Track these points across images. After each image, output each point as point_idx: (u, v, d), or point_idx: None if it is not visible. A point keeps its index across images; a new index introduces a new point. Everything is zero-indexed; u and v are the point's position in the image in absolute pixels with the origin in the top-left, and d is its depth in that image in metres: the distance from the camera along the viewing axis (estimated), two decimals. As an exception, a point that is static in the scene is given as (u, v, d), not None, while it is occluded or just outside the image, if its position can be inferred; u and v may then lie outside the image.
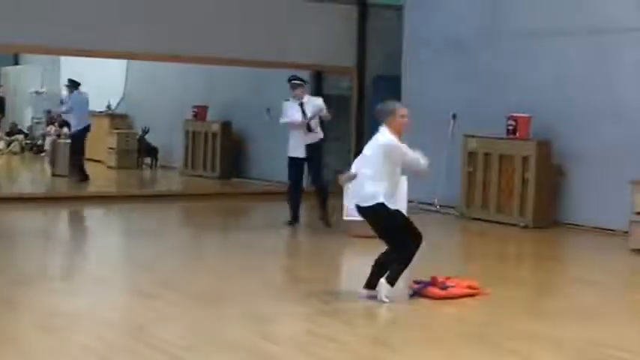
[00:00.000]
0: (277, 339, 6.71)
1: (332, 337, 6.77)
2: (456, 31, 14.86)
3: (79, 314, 7.37)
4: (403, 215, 8.34)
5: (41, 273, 9.28)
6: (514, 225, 13.03)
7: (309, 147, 12.17)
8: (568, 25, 13.20)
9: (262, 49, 15.60)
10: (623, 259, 10.94)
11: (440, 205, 14.53)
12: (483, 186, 13.75)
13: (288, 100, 12.35)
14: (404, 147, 8.07)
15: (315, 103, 12.30)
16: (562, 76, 13.24)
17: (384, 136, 8.07)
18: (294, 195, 12.34)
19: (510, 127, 13.33)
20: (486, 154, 13.70)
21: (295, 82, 12.28)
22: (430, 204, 14.50)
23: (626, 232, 11.47)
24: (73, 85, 18.18)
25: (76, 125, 17.85)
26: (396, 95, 16.00)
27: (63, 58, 22.75)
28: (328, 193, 12.19)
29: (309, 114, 12.12)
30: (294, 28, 16.01)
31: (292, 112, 12.20)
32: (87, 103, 18.06)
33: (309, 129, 12.16)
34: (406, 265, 7.99)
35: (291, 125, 12.22)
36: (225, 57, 15.56)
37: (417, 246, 8.03)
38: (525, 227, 12.88)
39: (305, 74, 17.62)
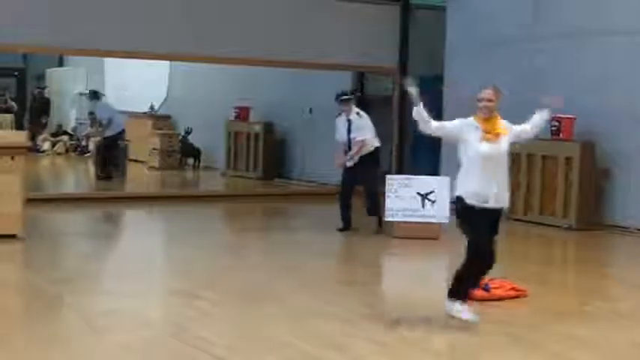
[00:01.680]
0: (317, 339, 6.68)
1: (376, 340, 6.73)
2: (498, 31, 14.76)
3: (122, 314, 7.39)
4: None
5: (84, 273, 9.34)
6: (557, 227, 12.90)
7: (360, 158, 11.95)
8: (612, 24, 13.04)
9: (305, 49, 15.59)
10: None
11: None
12: (527, 187, 13.63)
13: (340, 115, 12.15)
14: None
15: (361, 131, 11.98)
16: (606, 77, 13.08)
17: None
18: (343, 202, 12.11)
19: (554, 128, 13.20)
20: (529, 155, 13.58)
21: (343, 98, 12.09)
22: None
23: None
24: (95, 96, 18.47)
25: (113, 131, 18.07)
26: (438, 96, 15.97)
27: (107, 60, 22.95)
28: (379, 205, 11.90)
29: (352, 135, 11.93)
30: (337, 29, 15.98)
31: (343, 131, 12.03)
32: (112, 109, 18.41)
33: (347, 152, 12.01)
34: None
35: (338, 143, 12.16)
36: (267, 58, 15.58)
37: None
38: (568, 229, 12.75)
39: (347, 75, 17.73)
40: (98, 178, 17.92)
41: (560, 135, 13.18)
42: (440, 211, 11.53)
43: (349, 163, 11.93)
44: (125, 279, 9.03)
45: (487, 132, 7.03)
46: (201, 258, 10.10)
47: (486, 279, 8.27)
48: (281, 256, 10.39)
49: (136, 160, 20.68)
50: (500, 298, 8.10)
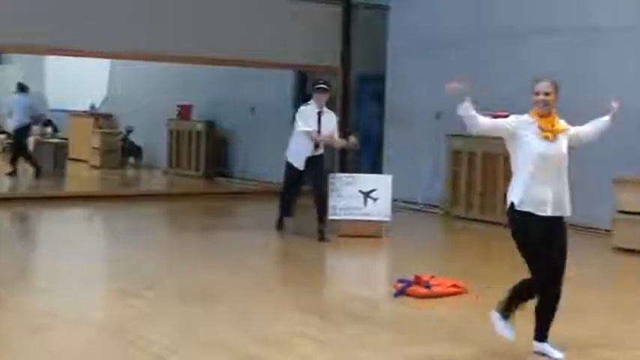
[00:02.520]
0: (262, 339, 6.67)
1: (316, 338, 6.74)
2: (440, 31, 14.86)
3: (62, 314, 7.30)
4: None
5: (24, 273, 9.23)
6: (498, 224, 13.02)
7: (312, 159, 11.33)
8: (550, 24, 13.20)
9: (246, 48, 15.55)
10: (606, 257, 10.96)
11: (424, 204, 14.54)
12: (468, 185, 13.76)
13: (308, 105, 11.46)
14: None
15: (331, 122, 11.52)
16: (547, 75, 13.21)
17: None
18: (286, 198, 11.76)
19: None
20: (471, 154, 13.71)
21: (322, 86, 11.40)
22: (414, 202, 14.51)
23: (609, 231, 11.48)
24: (21, 89, 18.28)
25: (15, 125, 17.98)
26: (380, 94, 16.06)
27: (47, 58, 22.69)
28: (327, 206, 11.49)
29: (324, 131, 11.34)
30: (279, 27, 15.96)
31: (312, 122, 11.30)
32: (29, 106, 18.21)
33: (317, 145, 11.36)
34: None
35: (306, 135, 11.33)
36: (208, 56, 15.51)
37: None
38: (507, 226, 12.86)
39: (290, 74, 17.74)
40: (8, 174, 17.65)
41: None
42: (382, 210, 11.58)
43: (315, 152, 11.32)
44: (65, 279, 8.93)
45: (545, 130, 6.34)
46: (141, 257, 10.03)
47: (427, 277, 8.34)
48: (222, 255, 10.36)
49: (77, 160, 20.46)
50: (441, 295, 8.16)
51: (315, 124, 11.30)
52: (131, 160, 21.19)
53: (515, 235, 6.45)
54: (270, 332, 6.89)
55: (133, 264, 9.62)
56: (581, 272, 9.96)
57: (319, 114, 11.35)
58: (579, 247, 11.60)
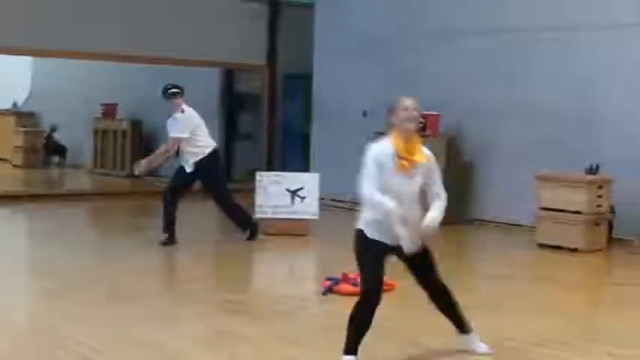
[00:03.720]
0: (186, 337, 6.65)
1: (244, 335, 6.74)
2: (367, 30, 14.95)
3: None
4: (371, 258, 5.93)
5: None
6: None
7: (198, 164, 10.72)
8: (479, 24, 13.38)
9: (173, 46, 15.46)
10: (529, 253, 11.16)
11: (352, 202, 14.60)
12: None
13: (171, 118, 10.87)
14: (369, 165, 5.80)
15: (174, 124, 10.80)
16: (471, 75, 13.43)
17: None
18: (170, 208, 10.83)
19: (420, 125, 13.44)
20: (397, 152, 13.81)
21: (174, 91, 10.84)
22: (342, 201, 14.57)
23: (532, 227, 11.69)
24: None
25: None
26: (307, 92, 16.11)
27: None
28: (236, 212, 11.05)
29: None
30: (205, 26, 15.91)
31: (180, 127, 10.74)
32: None
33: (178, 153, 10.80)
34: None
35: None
36: (135, 54, 15.38)
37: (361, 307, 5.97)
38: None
39: (216, 72, 17.67)
40: None
41: (426, 131, 13.44)
42: (309, 208, 11.62)
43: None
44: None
45: (403, 158, 5.74)
46: (66, 258, 9.90)
47: (354, 274, 8.39)
48: (148, 255, 10.27)
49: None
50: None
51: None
52: (55, 159, 20.89)
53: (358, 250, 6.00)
54: (198, 331, 6.86)
55: (58, 264, 9.49)
56: (504, 269, 10.14)
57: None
58: (504, 244, 11.83)
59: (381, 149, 5.78)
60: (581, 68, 12.18)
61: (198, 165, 10.70)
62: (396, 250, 5.92)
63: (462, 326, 6.42)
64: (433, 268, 6.26)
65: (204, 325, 7.07)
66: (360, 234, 5.95)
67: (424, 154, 5.91)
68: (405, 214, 5.75)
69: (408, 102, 5.83)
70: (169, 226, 10.72)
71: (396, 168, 5.73)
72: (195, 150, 10.70)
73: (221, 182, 11.16)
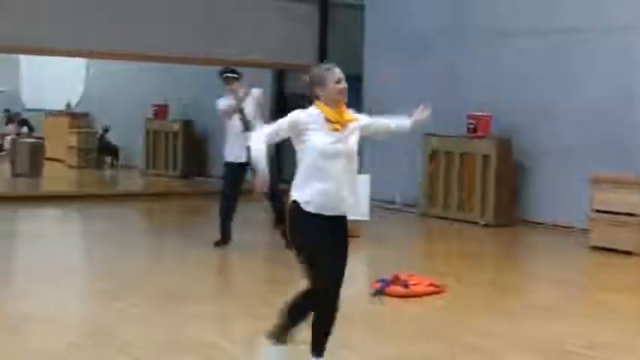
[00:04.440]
0: (237, 339, 6.67)
1: (294, 336, 6.73)
2: (417, 30, 14.89)
3: (40, 316, 7.24)
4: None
5: (2, 274, 9.17)
6: (475, 223, 13.09)
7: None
8: (528, 24, 13.27)
9: (225, 47, 15.53)
10: (582, 257, 11.03)
11: (402, 204, 14.56)
12: (445, 184, 13.80)
13: (222, 97, 10.52)
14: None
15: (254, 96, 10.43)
16: (522, 75, 13.31)
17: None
18: (229, 209, 10.57)
19: (471, 126, 13.40)
20: (447, 153, 13.76)
21: (229, 75, 10.45)
22: (391, 202, 14.54)
23: (585, 230, 11.55)
24: None
25: None
26: (357, 94, 16.06)
27: (22, 57, 22.55)
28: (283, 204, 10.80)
29: (248, 110, 10.33)
30: (255, 27, 15.96)
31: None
32: None
33: (247, 127, 10.09)
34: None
35: (225, 114, 10.36)
36: (185, 56, 15.48)
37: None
38: (486, 226, 12.95)
39: (267, 73, 17.71)
40: None
41: (477, 132, 13.38)
42: (360, 209, 11.58)
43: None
44: (45, 280, 8.85)
45: (333, 121, 5.52)
46: (120, 258, 9.99)
47: (405, 276, 8.37)
48: (202, 255, 10.33)
49: (53, 159, 20.36)
50: (419, 295, 8.18)
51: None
52: (108, 159, 21.10)
53: (294, 238, 5.55)
54: (246, 332, 6.88)
55: (113, 265, 9.58)
56: (559, 272, 10.04)
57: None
58: (556, 247, 11.71)
59: (307, 113, 5.54)
60: (633, 68, 12.02)
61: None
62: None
63: (319, 347, 5.80)
64: (345, 261, 5.60)
65: (254, 327, 7.08)
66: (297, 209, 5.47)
67: (353, 115, 5.70)
68: (341, 178, 5.47)
69: (339, 73, 5.56)
70: (226, 225, 10.55)
71: (328, 128, 5.46)
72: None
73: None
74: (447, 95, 14.10)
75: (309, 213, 5.42)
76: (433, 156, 13.98)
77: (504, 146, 13.20)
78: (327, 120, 5.48)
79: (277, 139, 5.68)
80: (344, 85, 5.55)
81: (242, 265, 10.15)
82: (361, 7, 16.18)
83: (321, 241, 5.42)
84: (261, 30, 16.00)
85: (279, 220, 10.41)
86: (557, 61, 12.93)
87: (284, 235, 10.26)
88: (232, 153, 10.40)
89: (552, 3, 13.08)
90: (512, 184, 13.28)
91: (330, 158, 5.44)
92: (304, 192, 5.45)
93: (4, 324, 6.97)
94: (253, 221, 12.59)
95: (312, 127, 5.47)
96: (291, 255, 10.37)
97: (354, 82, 15.80)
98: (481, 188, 13.25)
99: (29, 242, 11.67)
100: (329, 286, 5.51)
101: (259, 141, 5.58)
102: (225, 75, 10.45)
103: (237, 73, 10.53)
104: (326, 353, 6.17)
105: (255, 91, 10.55)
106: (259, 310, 7.64)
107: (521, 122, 13.18)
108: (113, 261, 9.81)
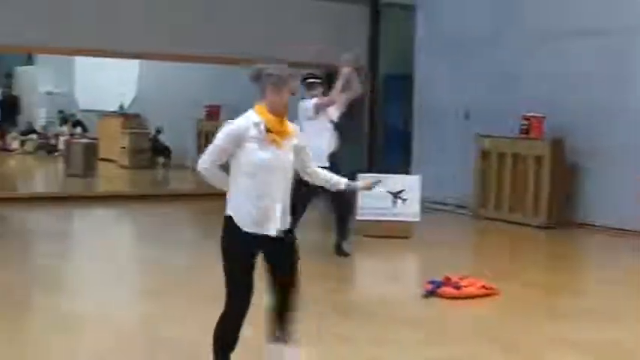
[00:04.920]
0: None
1: (344, 336, 6.70)
2: (468, 31, 14.77)
3: (93, 316, 7.30)
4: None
5: (54, 273, 9.24)
6: (528, 225, 12.93)
7: (331, 155, 10.08)
8: (581, 24, 13.08)
9: (274, 48, 15.49)
10: (638, 259, 10.83)
11: (453, 205, 14.46)
12: (497, 185, 13.66)
13: (304, 99, 10.35)
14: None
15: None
16: (575, 75, 13.12)
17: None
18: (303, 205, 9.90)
19: (523, 127, 13.25)
20: (500, 154, 13.62)
21: (312, 80, 10.46)
22: (443, 203, 14.43)
23: (640, 232, 11.37)
24: None
25: None
26: (408, 93, 16.01)
27: (77, 59, 22.77)
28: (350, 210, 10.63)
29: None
30: (307, 27, 15.96)
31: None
32: None
33: (334, 123, 10.26)
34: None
35: (321, 106, 10.15)
36: (236, 57, 15.50)
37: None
38: (539, 227, 12.78)
39: (317, 73, 17.68)
40: None
41: (530, 133, 13.22)
42: (411, 210, 11.52)
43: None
44: (97, 280, 8.95)
45: (273, 131, 5.13)
46: (172, 258, 10.02)
47: (457, 277, 8.28)
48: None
49: (106, 159, 20.54)
50: (471, 296, 8.09)
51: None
52: (160, 160, 21.23)
53: (225, 252, 5.33)
54: (305, 331, 6.84)
55: (162, 264, 9.62)
56: (616, 275, 9.87)
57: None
58: (611, 249, 11.52)
59: (247, 119, 5.16)
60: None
61: (332, 157, 10.07)
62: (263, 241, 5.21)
63: (282, 334, 5.59)
64: (295, 266, 5.47)
65: (306, 325, 7.04)
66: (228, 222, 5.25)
67: (293, 128, 5.31)
68: (276, 195, 5.15)
69: (298, 86, 5.27)
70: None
71: (266, 140, 5.09)
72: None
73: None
74: (499, 96, 13.97)
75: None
76: (485, 157, 13.84)
77: (558, 147, 13.02)
78: (268, 130, 5.12)
79: (225, 159, 5.24)
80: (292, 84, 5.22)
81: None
82: (412, 8, 16.10)
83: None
84: (314, 31, 15.99)
85: (341, 222, 10.41)
86: (611, 61, 12.72)
87: (338, 246, 10.44)
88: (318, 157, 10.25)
89: (606, 3, 12.87)
90: (566, 186, 13.09)
91: (266, 173, 5.10)
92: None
93: (59, 324, 7.02)
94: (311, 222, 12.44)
95: (252, 137, 5.11)
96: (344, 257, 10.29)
97: (405, 81, 15.90)
98: (534, 189, 13.09)
99: (82, 242, 11.79)
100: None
101: (208, 167, 5.29)
102: (309, 81, 10.43)
103: (319, 78, 10.55)
104: (375, 353, 6.11)
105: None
106: (309, 308, 7.60)
107: (575, 123, 12.98)
108: (164, 260, 9.84)
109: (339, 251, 10.44)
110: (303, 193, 10.17)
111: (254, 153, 5.09)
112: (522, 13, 14.03)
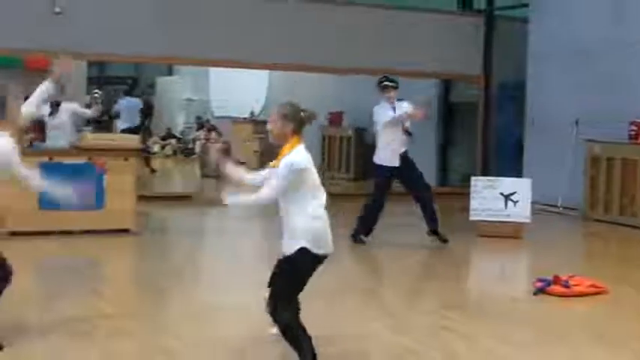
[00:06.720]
0: (407, 332, 6.67)
1: (460, 333, 6.68)
2: (579, 41, 14.49)
3: (229, 309, 7.33)
4: None
5: (193, 267, 9.48)
6: (637, 227, 12.60)
7: (403, 156, 10.40)
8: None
9: (393, 58, 15.58)
10: None
11: (563, 207, 14.20)
12: (606, 188, 13.36)
13: (379, 104, 10.58)
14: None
15: (403, 106, 10.43)
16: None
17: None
18: (378, 209, 10.64)
19: (632, 133, 12.94)
20: (609, 159, 13.31)
21: (387, 83, 10.46)
22: (553, 205, 14.20)
23: None
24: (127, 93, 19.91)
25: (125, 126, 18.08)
26: (520, 101, 15.84)
27: (212, 69, 23.29)
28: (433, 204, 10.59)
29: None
30: (425, 40, 15.99)
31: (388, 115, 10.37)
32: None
33: (409, 132, 10.43)
34: None
35: (394, 122, 10.32)
36: (359, 67, 15.66)
37: None
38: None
39: (433, 82, 17.64)
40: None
41: (639, 139, 12.89)
42: (522, 211, 11.39)
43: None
44: (233, 274, 9.04)
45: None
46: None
47: (566, 276, 8.15)
48: (371, 251, 10.39)
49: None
50: (580, 295, 7.96)
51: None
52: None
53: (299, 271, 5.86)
54: (416, 325, 6.87)
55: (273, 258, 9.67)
56: None
57: (393, 110, 10.45)
58: None
59: (303, 154, 5.65)
60: None
61: (404, 155, 10.40)
62: None
63: None
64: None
65: (423, 320, 7.07)
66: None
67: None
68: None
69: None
70: (367, 225, 10.63)
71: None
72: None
73: (421, 175, 10.69)
74: (608, 103, 13.65)
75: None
76: (594, 162, 13.55)
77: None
78: None
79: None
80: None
81: (411, 260, 10.09)
82: (525, 20, 15.93)
83: None
84: (431, 42, 16.01)
85: (431, 220, 10.55)
86: None
87: (434, 232, 10.59)
88: (385, 158, 10.48)
89: None
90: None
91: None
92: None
93: (194, 313, 7.17)
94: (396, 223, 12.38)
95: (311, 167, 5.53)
96: (456, 253, 10.30)
97: (518, 91, 15.70)
98: (641, 192, 12.75)
99: (215, 238, 12.04)
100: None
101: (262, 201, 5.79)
102: (385, 84, 10.47)
103: (395, 82, 10.53)
104: (488, 349, 6.09)
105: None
106: (426, 304, 7.62)
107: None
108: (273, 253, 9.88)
109: (439, 238, 10.57)
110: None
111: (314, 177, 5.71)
112: (632, 23, 13.68)
